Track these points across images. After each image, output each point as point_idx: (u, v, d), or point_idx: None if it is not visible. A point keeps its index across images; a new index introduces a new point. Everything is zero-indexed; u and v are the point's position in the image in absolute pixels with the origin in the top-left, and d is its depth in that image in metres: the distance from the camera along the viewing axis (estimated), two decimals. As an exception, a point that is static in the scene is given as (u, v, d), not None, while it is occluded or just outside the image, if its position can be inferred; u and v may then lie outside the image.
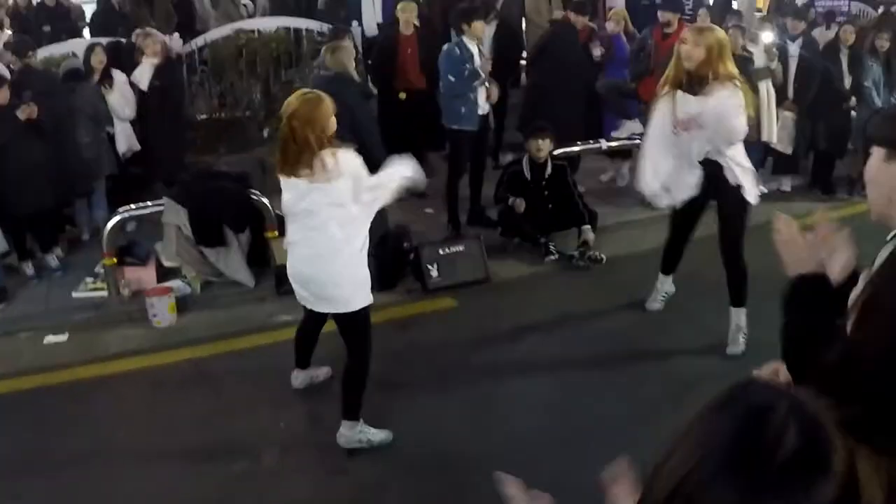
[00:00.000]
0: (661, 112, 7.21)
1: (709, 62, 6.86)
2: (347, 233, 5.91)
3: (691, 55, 6.87)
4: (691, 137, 7.05)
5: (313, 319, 6.70)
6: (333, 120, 5.87)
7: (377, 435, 6.23)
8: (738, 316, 7.46)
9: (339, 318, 6.20)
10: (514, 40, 13.02)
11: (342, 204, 5.83)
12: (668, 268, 8.21)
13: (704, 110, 6.86)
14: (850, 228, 2.86)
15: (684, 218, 7.66)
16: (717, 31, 7.09)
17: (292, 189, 5.91)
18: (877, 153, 2.68)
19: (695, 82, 6.95)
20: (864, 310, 2.15)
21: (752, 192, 7.21)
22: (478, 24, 9.73)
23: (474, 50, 9.72)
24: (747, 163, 7.29)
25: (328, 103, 5.87)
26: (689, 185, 7.24)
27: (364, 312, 6.12)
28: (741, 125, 6.95)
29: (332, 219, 5.86)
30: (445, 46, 9.91)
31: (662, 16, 11.02)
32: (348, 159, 5.81)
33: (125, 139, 10.42)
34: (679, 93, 7.02)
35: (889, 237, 2.62)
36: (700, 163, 7.13)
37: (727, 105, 6.83)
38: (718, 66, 6.88)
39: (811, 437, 1.48)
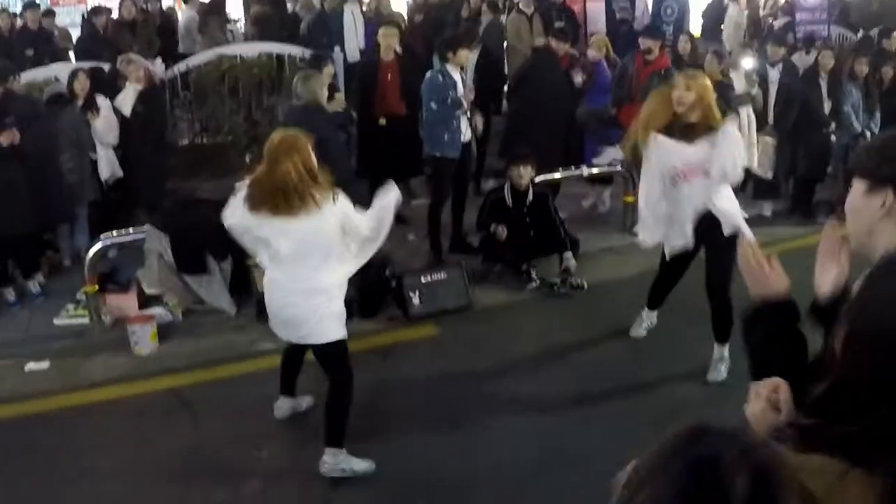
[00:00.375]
0: (653, 162, 7.20)
1: (700, 107, 6.90)
2: (330, 269, 5.98)
3: (683, 99, 6.89)
4: (692, 186, 7.04)
5: (297, 345, 6.70)
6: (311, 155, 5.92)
7: (360, 464, 6.22)
8: (722, 350, 7.48)
9: (315, 349, 6.29)
10: (495, 67, 13.05)
11: (326, 242, 5.91)
12: (655, 304, 8.22)
13: (715, 157, 6.85)
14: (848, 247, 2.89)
15: (675, 263, 7.63)
16: (705, 77, 7.18)
17: (275, 227, 5.91)
18: (857, 185, 2.70)
19: (685, 128, 6.97)
20: (846, 344, 2.17)
21: (746, 229, 7.16)
22: (462, 53, 9.77)
23: (457, 78, 9.74)
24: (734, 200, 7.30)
25: (304, 140, 5.95)
26: (684, 234, 7.23)
27: (340, 344, 6.19)
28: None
29: (315, 257, 5.93)
30: (428, 74, 9.93)
31: (643, 43, 11.07)
32: (337, 199, 5.87)
33: (108, 165, 10.41)
34: (670, 141, 7.00)
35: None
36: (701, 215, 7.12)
37: (736, 141, 6.92)
38: (710, 112, 6.94)
39: (762, 484, 1.50)
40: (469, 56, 10.18)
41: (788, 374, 2.59)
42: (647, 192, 7.38)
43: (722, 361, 7.44)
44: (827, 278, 2.84)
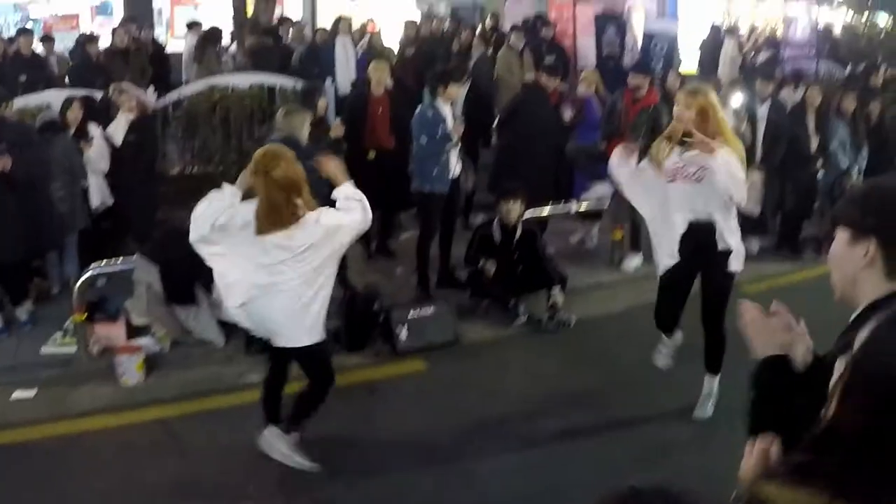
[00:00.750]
0: (650, 166, 7.26)
1: (703, 122, 6.90)
2: (309, 284, 6.22)
3: (683, 116, 6.93)
4: (678, 189, 7.05)
5: (277, 371, 6.84)
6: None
7: (298, 461, 6.52)
8: (712, 382, 7.48)
9: (297, 353, 6.45)
10: (484, 102, 13.08)
11: (306, 258, 6.12)
12: (667, 328, 7.84)
13: (709, 166, 6.83)
14: (816, 300, 2.92)
15: (672, 286, 7.49)
16: (708, 93, 7.10)
17: (257, 246, 6.10)
18: (840, 235, 2.74)
19: (685, 135, 6.99)
20: (844, 391, 2.21)
21: (739, 257, 7.25)
22: (453, 88, 9.81)
23: (447, 113, 9.78)
24: (737, 228, 7.31)
25: (290, 156, 6.22)
26: (671, 239, 7.20)
27: (321, 346, 6.42)
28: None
29: (296, 272, 6.15)
30: (419, 108, 9.97)
31: (632, 79, 11.09)
32: (321, 217, 6.11)
33: (98, 193, 10.42)
34: (673, 146, 7.05)
35: (853, 317, 2.68)
36: (692, 227, 7.10)
37: (732, 164, 6.85)
38: (714, 127, 6.91)
39: None
40: (459, 91, 10.20)
41: (790, 427, 2.63)
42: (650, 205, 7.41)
43: (710, 397, 7.45)
44: (796, 355, 2.89)
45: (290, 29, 16.51)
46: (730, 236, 7.15)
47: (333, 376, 6.62)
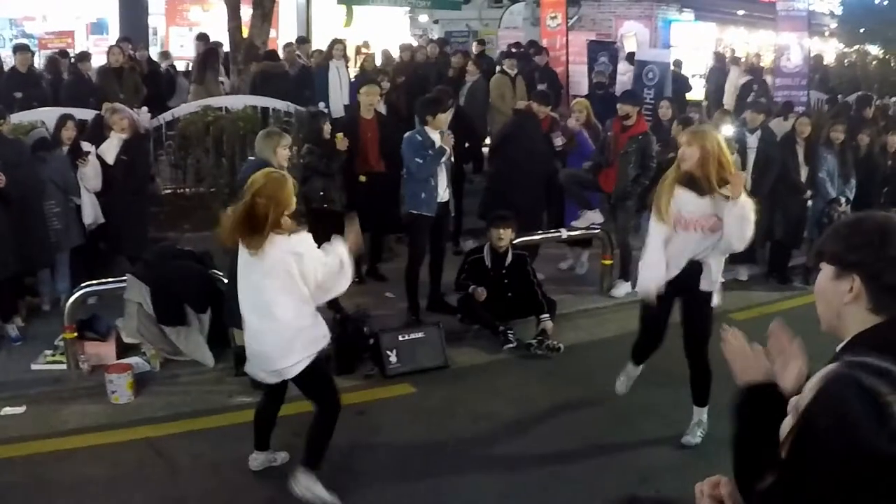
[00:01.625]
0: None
1: (705, 163, 6.90)
2: (295, 309, 6.20)
3: (685, 156, 6.95)
4: (689, 238, 7.07)
5: (272, 399, 6.84)
6: (293, 200, 6.15)
7: (328, 498, 6.39)
8: (701, 414, 7.51)
9: (296, 380, 6.43)
10: (470, 127, 13.07)
11: (287, 282, 6.12)
12: (641, 360, 7.98)
13: (727, 214, 6.86)
14: (803, 331, 2.95)
15: (654, 318, 7.52)
16: (711, 133, 7.12)
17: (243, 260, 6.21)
18: (825, 270, 2.78)
19: (693, 179, 6.98)
20: (797, 440, 2.25)
21: (719, 291, 7.31)
22: (441, 117, 9.85)
23: (436, 139, 9.82)
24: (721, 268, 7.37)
25: (291, 185, 6.15)
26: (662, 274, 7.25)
27: (315, 364, 6.38)
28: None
29: (278, 293, 6.15)
30: (407, 134, 10.02)
31: (622, 108, 11.11)
32: (299, 240, 6.08)
33: (91, 210, 10.44)
34: (681, 189, 7.02)
35: (838, 348, 2.70)
36: (685, 268, 7.15)
37: (748, 208, 6.86)
38: (717, 168, 6.88)
39: None
40: (447, 118, 10.21)
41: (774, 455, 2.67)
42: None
43: (699, 426, 7.48)
44: (788, 376, 2.90)
45: (285, 51, 16.56)
46: (717, 275, 7.24)
47: (339, 399, 6.63)
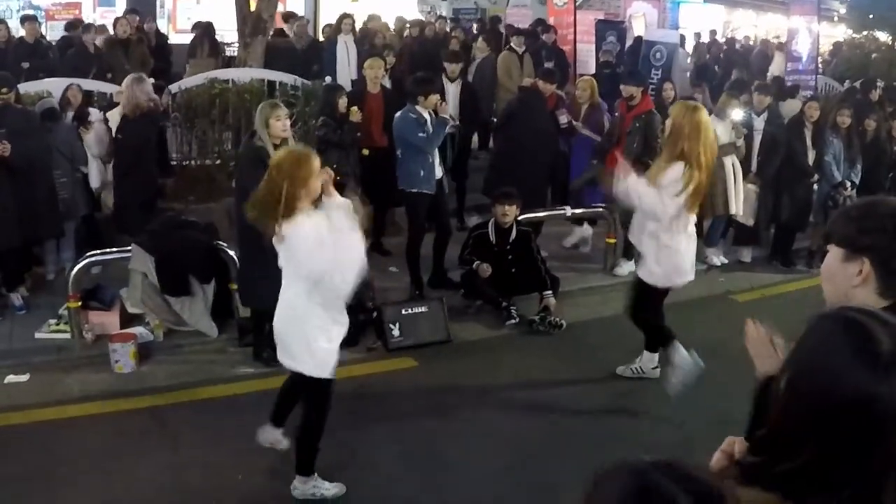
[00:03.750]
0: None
1: (677, 138, 7.14)
2: (308, 294, 6.00)
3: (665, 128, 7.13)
4: None
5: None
6: (313, 181, 5.90)
7: (330, 489, 6.32)
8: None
9: (298, 376, 6.31)
10: (476, 102, 13.05)
11: (298, 267, 5.94)
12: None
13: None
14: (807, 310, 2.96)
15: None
16: (699, 111, 7.37)
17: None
18: (834, 252, 2.77)
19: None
20: (785, 390, 2.26)
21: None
22: (432, 98, 9.86)
23: (427, 117, 9.83)
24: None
25: (311, 163, 5.93)
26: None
27: (323, 383, 6.19)
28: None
29: (293, 277, 6.01)
30: (399, 113, 10.02)
31: (625, 90, 11.12)
32: (306, 225, 5.83)
33: (98, 175, 10.47)
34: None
35: None
36: None
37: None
38: (686, 144, 7.16)
39: (701, 496, 1.61)
40: (450, 87, 10.18)
41: None
42: None
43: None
44: (771, 365, 2.91)
45: (295, 25, 16.51)
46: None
47: (327, 412, 6.35)
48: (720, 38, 23.84)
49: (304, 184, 5.81)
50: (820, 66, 19.73)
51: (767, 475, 2.17)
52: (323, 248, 5.74)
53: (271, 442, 6.78)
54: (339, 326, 6.23)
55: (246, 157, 8.30)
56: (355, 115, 10.28)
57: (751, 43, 24.29)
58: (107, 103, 11.46)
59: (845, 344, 2.08)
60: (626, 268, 11.05)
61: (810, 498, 2.07)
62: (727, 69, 19.37)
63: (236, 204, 8.06)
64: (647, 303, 7.93)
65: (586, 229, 12.09)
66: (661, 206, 7.36)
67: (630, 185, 7.39)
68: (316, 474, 6.34)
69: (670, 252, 7.64)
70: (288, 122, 8.01)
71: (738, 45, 23.52)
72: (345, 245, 5.82)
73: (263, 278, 7.88)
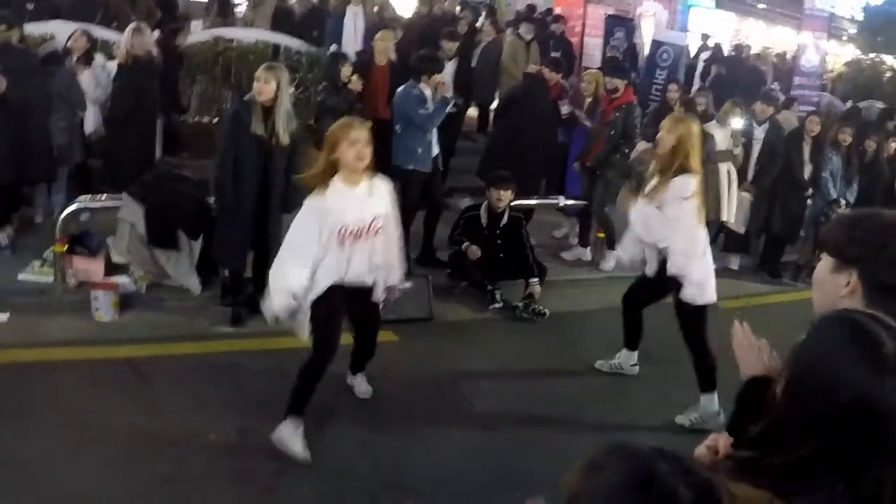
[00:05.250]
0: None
1: (677, 152, 7.12)
2: None
3: (663, 140, 7.17)
4: None
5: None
6: (346, 149, 6.21)
7: (298, 449, 6.36)
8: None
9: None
10: (470, 83, 13.08)
11: None
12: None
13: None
14: (792, 322, 2.97)
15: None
16: (692, 123, 7.36)
17: None
18: (825, 260, 2.78)
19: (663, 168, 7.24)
20: (785, 388, 2.28)
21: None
22: (436, 77, 9.90)
23: (428, 95, 9.85)
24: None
25: (351, 132, 6.26)
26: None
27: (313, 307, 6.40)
28: None
29: None
30: (401, 88, 10.02)
31: (610, 82, 11.22)
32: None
33: (93, 120, 10.44)
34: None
35: None
36: None
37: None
38: (686, 160, 7.15)
39: (702, 490, 1.60)
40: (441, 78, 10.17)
41: None
42: None
43: (696, 410, 7.49)
44: (755, 367, 2.96)
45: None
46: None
47: (324, 353, 6.51)
48: (726, 45, 23.79)
49: (333, 147, 6.23)
50: (826, 83, 19.79)
51: (761, 469, 2.19)
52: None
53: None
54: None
55: (228, 112, 8.40)
56: (355, 84, 10.25)
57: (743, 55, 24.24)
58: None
59: (850, 345, 2.12)
60: (610, 261, 11.05)
61: (801, 493, 2.08)
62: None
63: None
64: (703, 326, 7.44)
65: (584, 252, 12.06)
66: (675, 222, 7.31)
67: (644, 213, 7.39)
68: (299, 426, 6.44)
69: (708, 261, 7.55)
70: (272, 86, 7.93)
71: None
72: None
73: (234, 239, 7.98)
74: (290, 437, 6.37)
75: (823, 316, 2.32)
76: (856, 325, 2.15)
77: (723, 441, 2.56)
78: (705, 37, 19.89)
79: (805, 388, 2.17)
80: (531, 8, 18.07)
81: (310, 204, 6.33)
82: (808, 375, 2.18)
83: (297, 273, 6.24)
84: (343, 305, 6.60)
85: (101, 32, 12.18)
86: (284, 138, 7.99)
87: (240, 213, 8.09)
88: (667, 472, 1.64)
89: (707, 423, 7.18)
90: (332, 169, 6.27)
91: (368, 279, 6.63)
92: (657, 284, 7.60)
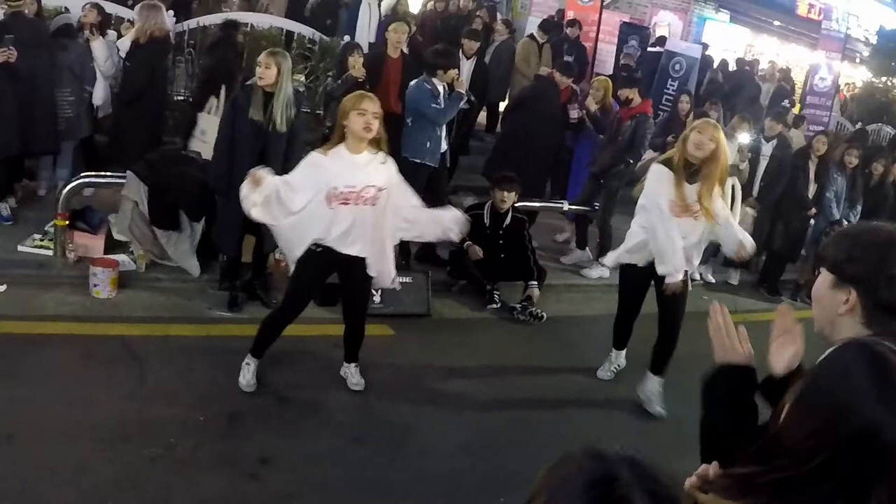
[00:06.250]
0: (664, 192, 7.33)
1: (715, 159, 7.09)
2: None
3: (704, 145, 7.06)
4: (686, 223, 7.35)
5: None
6: (350, 116, 6.59)
7: (249, 381, 7.00)
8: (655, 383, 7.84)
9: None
10: (486, 83, 13.08)
11: None
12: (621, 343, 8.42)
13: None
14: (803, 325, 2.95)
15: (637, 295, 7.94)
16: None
17: None
18: (824, 276, 2.74)
19: (695, 173, 7.19)
20: (793, 404, 2.27)
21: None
22: (451, 72, 9.84)
23: (441, 90, 9.82)
24: None
25: (355, 101, 6.64)
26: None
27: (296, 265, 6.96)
28: None
29: None
30: (414, 82, 9.98)
31: (622, 93, 11.35)
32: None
33: (102, 93, 10.42)
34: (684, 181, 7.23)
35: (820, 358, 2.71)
36: None
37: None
38: (720, 168, 7.17)
39: (660, 500, 1.59)
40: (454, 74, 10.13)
41: (735, 438, 2.68)
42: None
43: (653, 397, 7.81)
44: (782, 357, 2.90)
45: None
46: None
47: (288, 305, 7.10)
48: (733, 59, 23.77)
49: (344, 115, 6.59)
50: (835, 104, 19.76)
51: (755, 486, 2.18)
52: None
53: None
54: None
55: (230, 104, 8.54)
56: (358, 71, 10.21)
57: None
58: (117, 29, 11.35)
59: (864, 371, 2.11)
60: (596, 271, 11.02)
61: None
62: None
63: None
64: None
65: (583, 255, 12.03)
66: None
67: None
68: (255, 363, 7.07)
69: None
70: (272, 71, 7.95)
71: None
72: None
73: (228, 224, 8.03)
74: (244, 369, 7.03)
75: (847, 342, 2.32)
76: (876, 356, 2.15)
77: (713, 470, 2.54)
78: (705, 46, 19.82)
79: (815, 406, 2.17)
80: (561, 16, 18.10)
81: (311, 156, 6.75)
82: (820, 395, 2.18)
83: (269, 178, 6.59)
84: (325, 271, 7.12)
85: (115, 8, 12.18)
86: (281, 125, 7.98)
87: (232, 197, 8.09)
88: (626, 475, 1.62)
89: (652, 402, 7.79)
90: (341, 136, 6.62)
91: (355, 250, 6.82)
92: (646, 279, 7.71)
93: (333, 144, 6.66)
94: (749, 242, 7.57)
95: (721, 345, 3.00)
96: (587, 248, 11.73)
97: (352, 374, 7.43)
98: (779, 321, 3.01)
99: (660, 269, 7.42)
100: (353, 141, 6.60)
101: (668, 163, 7.33)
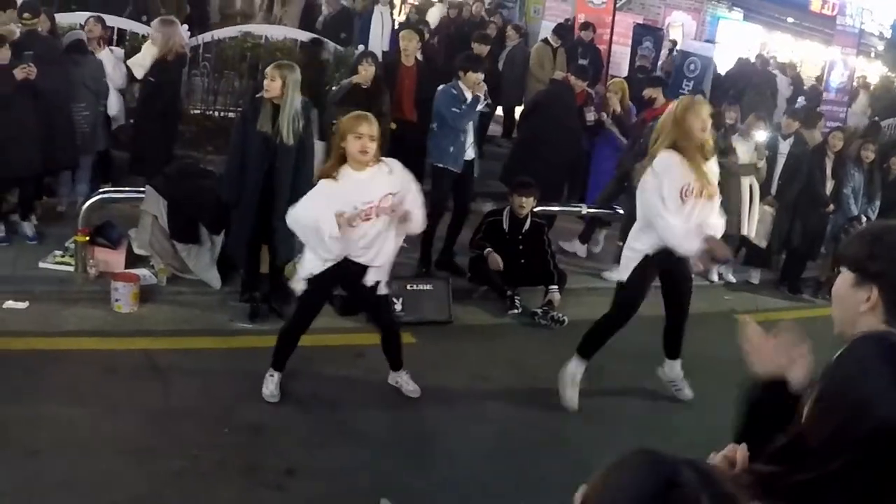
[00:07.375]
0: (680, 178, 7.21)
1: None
2: None
3: (707, 124, 7.15)
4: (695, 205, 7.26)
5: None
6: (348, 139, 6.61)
7: (274, 392, 7.07)
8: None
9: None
10: (497, 87, 13.09)
11: None
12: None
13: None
14: (810, 339, 2.92)
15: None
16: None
17: None
18: (845, 275, 2.72)
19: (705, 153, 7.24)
20: (814, 401, 2.25)
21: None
22: (472, 76, 9.77)
23: (468, 95, 9.79)
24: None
25: (354, 123, 6.66)
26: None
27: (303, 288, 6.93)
28: None
29: None
30: (442, 86, 9.98)
31: (646, 92, 11.39)
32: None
33: (116, 104, 10.52)
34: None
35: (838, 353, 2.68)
36: None
37: None
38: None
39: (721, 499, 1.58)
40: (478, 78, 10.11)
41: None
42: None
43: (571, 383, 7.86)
44: (798, 370, 2.83)
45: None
46: None
47: (290, 325, 7.18)
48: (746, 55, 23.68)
49: (342, 137, 6.63)
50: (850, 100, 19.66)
51: (778, 488, 2.16)
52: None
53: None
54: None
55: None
56: (362, 77, 10.17)
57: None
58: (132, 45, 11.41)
59: (885, 366, 2.08)
60: (616, 274, 10.97)
61: None
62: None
63: None
64: None
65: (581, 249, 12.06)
66: None
67: None
68: (278, 375, 7.12)
69: None
70: (277, 84, 7.95)
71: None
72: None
73: (239, 235, 8.10)
74: (267, 381, 7.08)
75: (862, 335, 2.30)
76: (891, 347, 2.13)
77: (740, 453, 2.52)
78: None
79: (835, 403, 2.15)
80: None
81: (321, 187, 6.73)
82: (839, 391, 2.17)
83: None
84: (334, 284, 7.26)
85: (130, 25, 12.24)
86: (288, 138, 8.00)
87: (242, 209, 8.17)
88: (691, 480, 1.61)
89: (682, 388, 8.02)
90: (342, 158, 6.65)
91: (374, 259, 6.94)
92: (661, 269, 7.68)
93: (335, 168, 6.69)
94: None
95: (756, 360, 2.95)
96: (585, 245, 11.79)
97: (405, 382, 7.52)
98: (781, 340, 2.97)
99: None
100: (353, 162, 6.66)
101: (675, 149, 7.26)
